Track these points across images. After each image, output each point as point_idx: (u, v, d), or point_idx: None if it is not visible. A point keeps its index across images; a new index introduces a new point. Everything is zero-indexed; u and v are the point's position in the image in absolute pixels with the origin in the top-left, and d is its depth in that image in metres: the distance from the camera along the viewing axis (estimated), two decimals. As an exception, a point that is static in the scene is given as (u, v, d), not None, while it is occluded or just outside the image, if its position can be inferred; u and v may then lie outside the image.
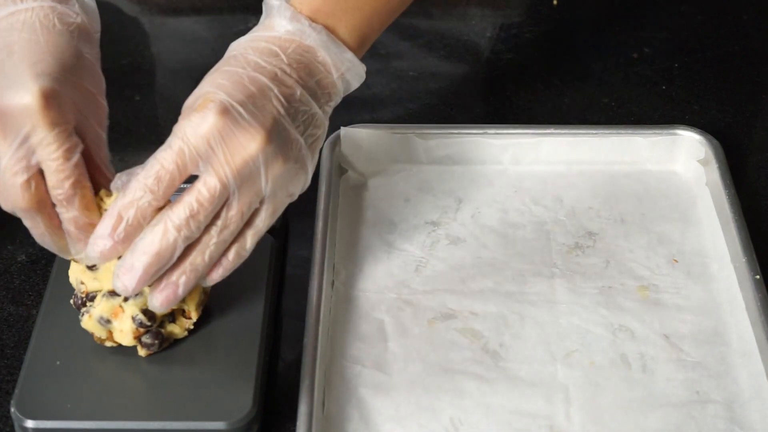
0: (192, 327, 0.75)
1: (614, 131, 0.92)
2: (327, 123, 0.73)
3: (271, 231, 0.82)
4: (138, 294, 0.72)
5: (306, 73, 0.72)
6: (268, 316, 0.77)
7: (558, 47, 1.08)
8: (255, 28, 0.74)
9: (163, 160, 0.67)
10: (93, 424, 0.70)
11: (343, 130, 0.91)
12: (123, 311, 0.73)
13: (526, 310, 0.81)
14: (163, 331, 0.74)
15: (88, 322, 0.73)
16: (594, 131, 0.92)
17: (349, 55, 0.74)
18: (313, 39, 0.72)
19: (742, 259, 0.81)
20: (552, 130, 0.92)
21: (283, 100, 0.69)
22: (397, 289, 0.82)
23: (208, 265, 0.68)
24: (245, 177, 0.67)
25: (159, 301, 0.68)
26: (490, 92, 1.03)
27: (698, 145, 0.90)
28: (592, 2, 1.14)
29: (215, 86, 0.68)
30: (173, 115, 0.97)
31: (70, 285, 0.75)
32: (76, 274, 0.74)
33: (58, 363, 0.73)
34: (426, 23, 1.09)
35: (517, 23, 1.10)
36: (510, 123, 0.96)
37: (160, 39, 1.10)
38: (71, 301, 0.75)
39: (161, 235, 0.66)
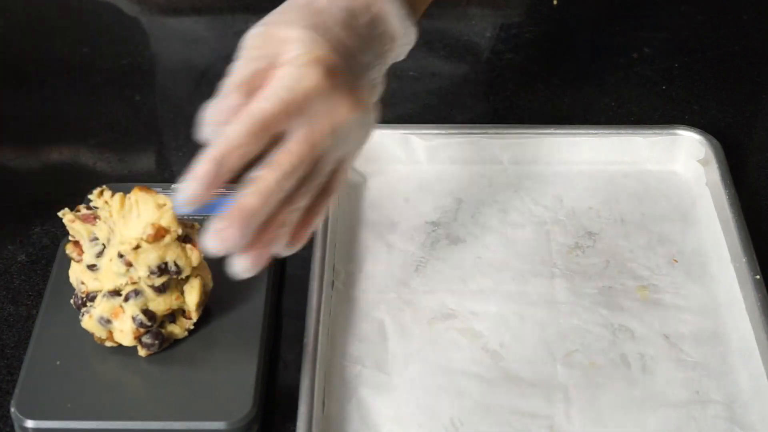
0: (192, 327, 0.75)
1: (614, 131, 0.92)
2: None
3: (271, 231, 0.83)
4: (138, 294, 0.72)
5: (377, 41, 0.71)
6: (268, 316, 0.77)
7: (558, 47, 1.08)
8: None
9: (267, 110, 0.64)
10: (93, 424, 0.70)
11: (343, 130, 0.91)
12: (123, 311, 0.73)
13: (526, 310, 0.81)
14: (163, 331, 0.74)
15: (89, 322, 0.73)
16: (594, 131, 0.92)
17: (411, 29, 0.73)
18: (387, 5, 0.72)
19: (742, 259, 0.81)
20: (552, 130, 0.92)
21: (365, 66, 0.69)
22: (397, 289, 0.82)
23: (293, 229, 0.67)
24: (336, 139, 0.66)
25: (244, 266, 0.66)
26: (490, 92, 1.03)
27: (698, 145, 0.90)
28: (592, 2, 1.14)
29: (315, 36, 0.67)
30: (173, 115, 0.98)
31: (70, 285, 0.75)
32: (76, 274, 0.74)
33: (58, 363, 0.73)
34: (426, 23, 1.09)
35: (517, 23, 1.10)
36: (510, 123, 0.96)
37: (160, 39, 1.10)
38: (71, 301, 0.75)
39: (257, 195, 0.64)
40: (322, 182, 0.68)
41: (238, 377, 0.72)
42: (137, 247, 0.71)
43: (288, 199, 0.66)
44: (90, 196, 0.74)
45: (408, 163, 0.92)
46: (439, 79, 1.03)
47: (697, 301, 0.81)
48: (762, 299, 0.78)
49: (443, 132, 0.92)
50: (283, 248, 0.68)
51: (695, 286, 0.82)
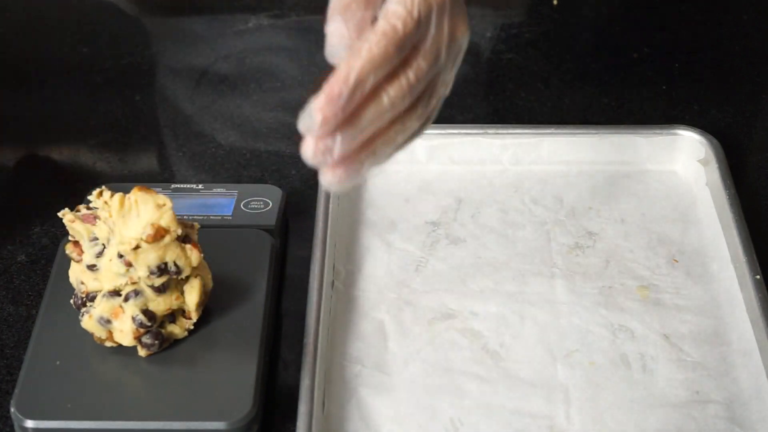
0: (192, 327, 0.75)
1: (614, 131, 0.92)
2: None
3: (271, 231, 0.83)
4: (138, 294, 0.72)
5: None
6: (268, 316, 0.77)
7: (558, 47, 1.08)
8: None
9: (399, 28, 0.62)
10: (93, 424, 0.70)
11: (343, 130, 0.91)
12: (123, 311, 0.73)
13: (526, 310, 0.80)
14: (163, 331, 0.74)
15: (89, 322, 0.73)
16: (594, 131, 0.92)
17: None
18: None
19: (742, 259, 0.81)
20: (552, 130, 0.92)
21: None
22: (397, 289, 0.82)
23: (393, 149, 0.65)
24: (454, 55, 0.66)
25: (339, 175, 0.62)
26: (490, 92, 1.03)
27: (698, 145, 0.90)
28: (592, 2, 1.14)
29: None
30: (173, 115, 0.98)
31: (70, 285, 0.75)
32: (76, 274, 0.74)
33: (58, 363, 0.73)
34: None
35: (517, 23, 1.10)
36: (510, 123, 0.96)
37: (160, 39, 1.10)
38: (71, 301, 0.75)
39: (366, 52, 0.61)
40: (430, 108, 0.66)
41: (238, 377, 0.72)
42: (137, 247, 0.71)
43: (401, 116, 0.64)
44: (90, 197, 0.74)
45: (408, 163, 0.92)
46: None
47: (697, 301, 0.81)
48: (762, 299, 0.78)
49: (443, 132, 0.92)
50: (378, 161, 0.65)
51: (695, 286, 0.82)
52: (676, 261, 0.84)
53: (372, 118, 0.62)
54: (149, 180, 0.91)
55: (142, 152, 0.96)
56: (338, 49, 0.64)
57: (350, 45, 0.63)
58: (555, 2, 1.12)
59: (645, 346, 0.78)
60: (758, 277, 0.79)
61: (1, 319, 0.81)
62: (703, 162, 0.90)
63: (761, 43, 1.08)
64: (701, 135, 0.91)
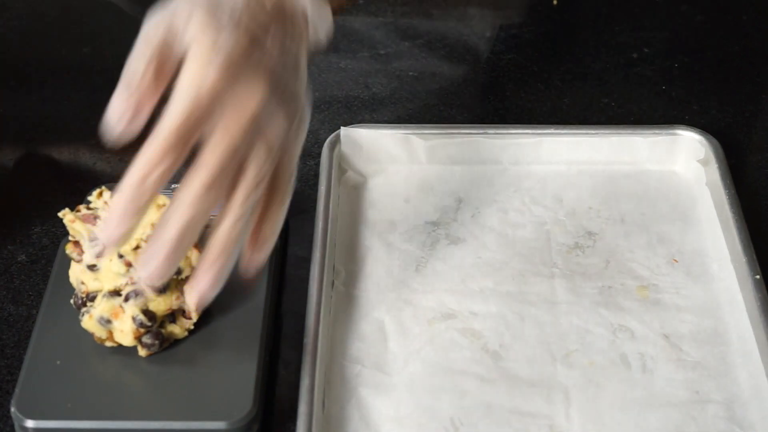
0: (192, 327, 0.75)
1: (614, 131, 0.92)
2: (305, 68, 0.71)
3: (271, 231, 0.83)
4: (138, 294, 0.72)
5: (290, 22, 0.69)
6: (268, 316, 0.77)
7: (558, 47, 1.08)
8: None
9: (174, 124, 0.63)
10: (93, 424, 0.70)
11: (343, 130, 0.91)
12: (123, 311, 0.73)
13: (526, 310, 0.80)
14: (163, 331, 0.74)
15: (89, 322, 0.73)
16: (594, 131, 0.92)
17: (324, 8, 0.72)
18: None
19: (742, 259, 0.81)
20: (552, 130, 0.92)
21: (274, 49, 0.67)
22: (397, 289, 0.82)
23: (239, 244, 0.65)
24: (255, 131, 0.64)
25: (201, 289, 0.65)
26: (490, 92, 1.03)
27: (698, 145, 0.90)
28: (592, 2, 1.14)
29: (206, 28, 0.65)
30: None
31: (70, 285, 0.75)
32: (76, 274, 0.74)
33: (58, 363, 0.73)
34: (426, 23, 1.09)
35: (517, 23, 1.10)
36: (510, 123, 0.96)
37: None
38: (71, 301, 0.75)
39: (178, 215, 0.63)
40: (262, 185, 0.66)
41: (238, 377, 0.72)
42: (137, 247, 0.71)
43: (226, 210, 0.65)
44: (89, 197, 0.74)
45: (408, 163, 0.92)
46: (439, 79, 1.03)
47: (697, 301, 0.81)
48: (762, 299, 0.78)
49: (443, 132, 0.92)
50: (243, 262, 0.68)
51: (695, 286, 0.82)
52: (676, 261, 0.84)
53: (174, 232, 0.63)
54: (149, 180, 0.91)
55: (142, 152, 0.96)
56: (114, 129, 0.65)
57: (126, 130, 0.64)
58: (555, 2, 1.12)
59: (645, 346, 0.78)
60: (758, 277, 0.79)
61: (2, 319, 0.81)
62: (703, 162, 0.90)
63: (761, 43, 1.08)
64: (701, 135, 0.91)
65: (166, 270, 0.64)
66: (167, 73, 0.65)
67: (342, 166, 0.91)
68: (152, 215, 0.72)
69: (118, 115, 0.64)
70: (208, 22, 0.65)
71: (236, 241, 0.65)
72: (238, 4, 0.67)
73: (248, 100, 0.64)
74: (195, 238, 0.64)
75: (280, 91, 0.67)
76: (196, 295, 0.66)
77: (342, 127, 0.91)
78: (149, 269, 0.64)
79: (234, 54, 0.65)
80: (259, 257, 0.69)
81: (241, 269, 0.69)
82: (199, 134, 0.63)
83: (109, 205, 0.64)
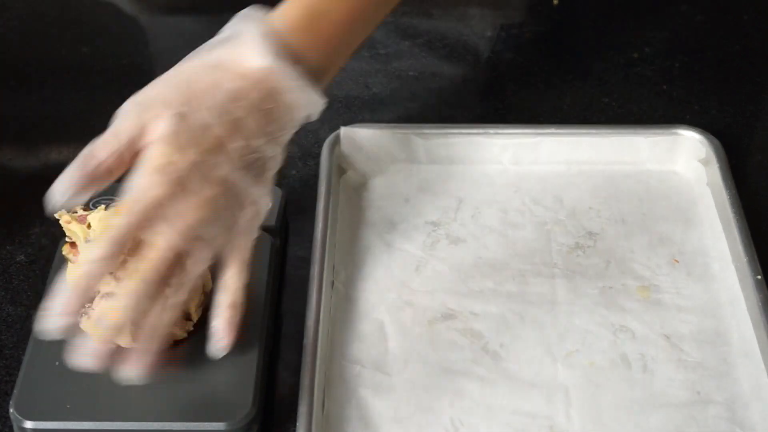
0: (192, 328, 0.75)
1: (614, 131, 0.92)
2: (284, 149, 0.73)
3: (271, 231, 0.82)
4: None
5: (266, 118, 0.71)
6: (268, 316, 0.77)
7: (558, 47, 1.08)
8: (223, 44, 0.73)
9: (117, 227, 0.66)
10: (92, 425, 0.70)
11: (343, 130, 0.91)
12: None
13: (527, 311, 0.80)
14: None
15: (87, 323, 0.73)
16: (594, 131, 0.92)
17: (314, 96, 0.73)
18: (281, 80, 0.71)
19: (743, 260, 0.81)
20: (552, 130, 0.92)
21: (236, 155, 0.69)
22: (397, 289, 0.82)
23: (167, 327, 0.68)
24: (192, 239, 0.67)
25: (131, 372, 0.67)
26: (490, 92, 1.03)
27: (699, 145, 0.90)
28: (592, 2, 1.14)
29: (169, 137, 0.68)
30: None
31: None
32: (74, 275, 0.74)
33: (57, 363, 0.73)
34: (426, 23, 1.09)
35: (517, 23, 1.10)
36: (510, 123, 0.95)
37: (160, 39, 1.10)
38: None
39: (121, 304, 0.66)
40: (193, 278, 0.68)
41: (238, 377, 0.72)
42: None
43: (159, 300, 0.67)
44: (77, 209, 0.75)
45: (408, 163, 0.92)
46: (439, 79, 1.03)
47: (698, 301, 0.81)
48: (763, 299, 0.78)
49: (443, 132, 0.92)
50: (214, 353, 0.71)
51: (696, 286, 0.82)
52: (677, 261, 0.84)
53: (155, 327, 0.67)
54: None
55: (141, 152, 0.96)
56: (56, 201, 0.68)
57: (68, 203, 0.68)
58: (555, 2, 1.12)
59: (645, 346, 0.78)
60: (759, 277, 0.79)
61: (1, 320, 0.81)
62: (704, 162, 0.90)
63: (761, 43, 1.08)
64: (702, 135, 0.91)
65: (101, 361, 0.67)
66: (125, 164, 0.69)
67: (342, 166, 0.91)
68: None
69: (63, 191, 0.68)
70: (170, 140, 0.68)
71: (165, 325, 0.67)
72: (215, 100, 0.70)
73: (189, 212, 0.67)
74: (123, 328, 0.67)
75: (232, 195, 0.69)
76: (130, 372, 0.67)
77: (342, 127, 0.91)
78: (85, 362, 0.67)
79: (184, 171, 0.67)
80: (219, 345, 0.71)
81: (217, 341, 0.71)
82: (137, 237, 0.67)
83: (54, 295, 0.67)
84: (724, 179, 0.87)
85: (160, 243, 0.67)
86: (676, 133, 0.91)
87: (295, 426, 0.71)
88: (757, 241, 0.82)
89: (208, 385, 0.72)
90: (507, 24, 1.10)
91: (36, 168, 0.95)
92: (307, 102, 0.73)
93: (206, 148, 0.68)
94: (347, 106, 0.99)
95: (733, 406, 0.74)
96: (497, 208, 0.89)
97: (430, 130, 0.92)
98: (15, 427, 0.71)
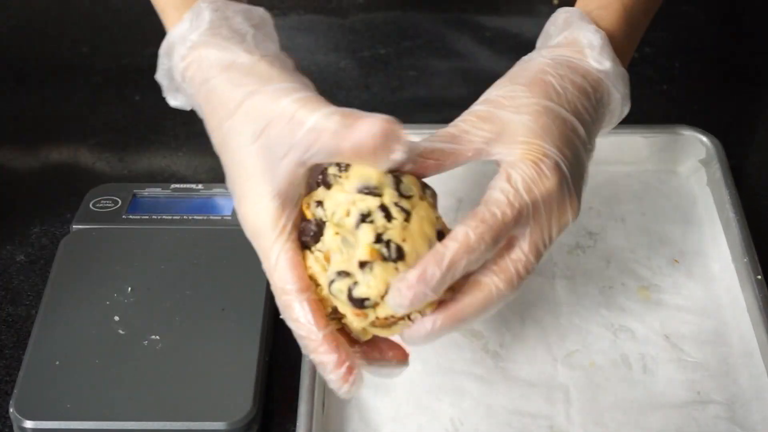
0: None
1: (614, 131, 0.91)
2: None
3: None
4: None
5: (598, 123, 0.70)
6: (268, 316, 0.77)
7: (558, 47, 1.08)
8: (566, 40, 0.72)
9: (500, 217, 0.63)
10: (92, 425, 0.70)
11: (343, 130, 0.90)
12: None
13: (527, 311, 0.80)
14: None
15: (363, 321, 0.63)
16: (594, 131, 0.92)
17: (625, 110, 0.73)
18: (615, 86, 0.71)
19: (743, 260, 0.81)
20: (552, 130, 0.92)
21: (587, 160, 0.68)
22: (397, 289, 0.82)
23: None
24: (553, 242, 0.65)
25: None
26: (490, 92, 1.03)
27: (699, 145, 0.90)
28: (592, 2, 1.14)
29: (544, 134, 0.66)
30: (173, 115, 0.97)
31: (69, 285, 0.75)
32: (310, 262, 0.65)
33: (57, 363, 0.73)
34: (426, 23, 1.09)
35: (518, 23, 1.10)
36: (510, 123, 0.95)
37: (160, 39, 1.10)
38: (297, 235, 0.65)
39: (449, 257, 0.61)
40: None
41: (238, 377, 0.72)
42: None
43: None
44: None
45: (408, 163, 0.92)
46: (439, 79, 1.03)
47: (698, 301, 0.81)
48: (763, 300, 0.78)
49: (443, 132, 0.91)
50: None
51: (696, 286, 0.82)
52: (677, 261, 0.84)
53: (477, 309, 0.63)
54: (149, 180, 0.91)
55: (142, 152, 0.96)
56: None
57: None
58: (555, 2, 1.12)
59: (646, 346, 0.78)
60: (759, 277, 0.79)
61: (1, 319, 0.81)
62: (704, 162, 0.90)
63: (761, 43, 1.08)
64: (702, 135, 0.90)
65: (414, 300, 0.61)
66: None
67: (342, 166, 0.90)
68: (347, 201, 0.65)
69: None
70: (537, 129, 0.66)
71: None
72: (568, 101, 0.68)
73: (565, 217, 0.65)
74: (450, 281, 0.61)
75: (566, 188, 0.66)
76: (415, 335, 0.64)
77: (342, 127, 0.90)
78: (400, 295, 0.61)
79: (566, 166, 0.65)
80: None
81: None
82: (513, 231, 0.63)
83: (407, 276, 0.60)
84: (725, 179, 0.87)
85: (533, 244, 0.63)
86: (676, 133, 0.91)
87: (295, 426, 0.71)
88: (757, 241, 0.82)
89: (208, 384, 0.72)
90: (507, 24, 1.10)
91: (36, 168, 0.95)
92: (619, 115, 0.72)
93: (574, 151, 0.67)
94: (347, 106, 0.99)
95: (733, 406, 0.74)
96: (497, 208, 0.88)
97: (430, 130, 0.92)
98: (15, 427, 0.71)
